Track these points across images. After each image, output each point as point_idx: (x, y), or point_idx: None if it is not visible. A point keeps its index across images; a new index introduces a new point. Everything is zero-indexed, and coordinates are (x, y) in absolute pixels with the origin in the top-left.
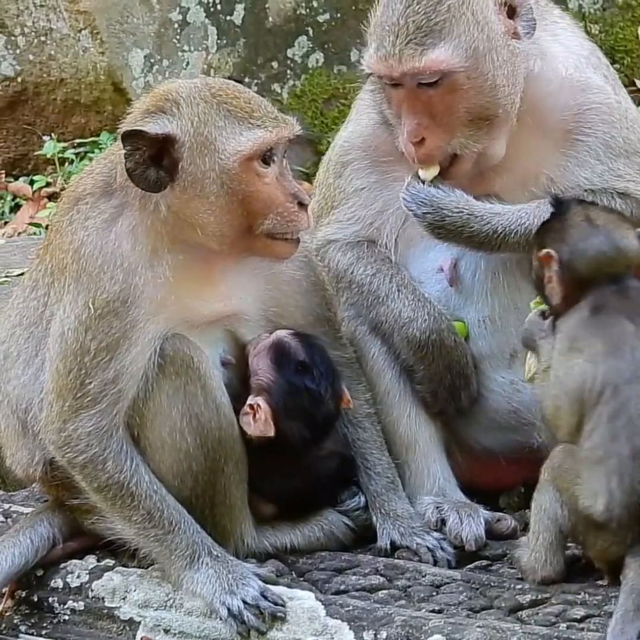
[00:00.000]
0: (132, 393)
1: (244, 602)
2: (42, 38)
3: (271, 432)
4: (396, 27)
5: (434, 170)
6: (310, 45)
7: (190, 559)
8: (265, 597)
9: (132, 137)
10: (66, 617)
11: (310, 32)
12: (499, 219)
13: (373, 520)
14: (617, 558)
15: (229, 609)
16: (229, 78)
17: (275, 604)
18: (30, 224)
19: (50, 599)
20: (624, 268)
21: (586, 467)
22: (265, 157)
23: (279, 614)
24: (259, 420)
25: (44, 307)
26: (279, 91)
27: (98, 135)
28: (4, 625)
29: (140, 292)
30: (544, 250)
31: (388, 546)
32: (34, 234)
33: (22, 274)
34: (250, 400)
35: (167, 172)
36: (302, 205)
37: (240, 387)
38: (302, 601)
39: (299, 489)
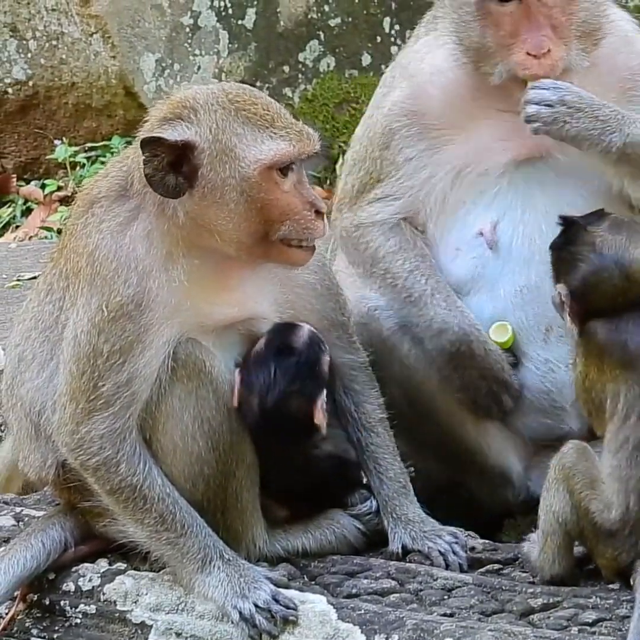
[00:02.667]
0: (145, 396)
1: (256, 605)
2: (54, 42)
3: (234, 403)
4: None
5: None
6: (322, 50)
7: (202, 563)
8: (277, 601)
9: (151, 144)
10: (78, 621)
11: (322, 36)
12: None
13: (384, 525)
14: (626, 566)
15: (240, 613)
16: (240, 83)
17: (287, 607)
18: (42, 227)
19: (62, 603)
20: (635, 292)
21: (608, 479)
22: (285, 167)
23: (290, 618)
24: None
25: (59, 311)
26: (290, 95)
27: (109, 139)
28: (15, 628)
29: (155, 296)
30: (557, 287)
31: (400, 550)
32: (46, 237)
33: (33, 277)
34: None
35: (186, 178)
36: (318, 213)
37: None
38: (313, 605)
39: (299, 489)
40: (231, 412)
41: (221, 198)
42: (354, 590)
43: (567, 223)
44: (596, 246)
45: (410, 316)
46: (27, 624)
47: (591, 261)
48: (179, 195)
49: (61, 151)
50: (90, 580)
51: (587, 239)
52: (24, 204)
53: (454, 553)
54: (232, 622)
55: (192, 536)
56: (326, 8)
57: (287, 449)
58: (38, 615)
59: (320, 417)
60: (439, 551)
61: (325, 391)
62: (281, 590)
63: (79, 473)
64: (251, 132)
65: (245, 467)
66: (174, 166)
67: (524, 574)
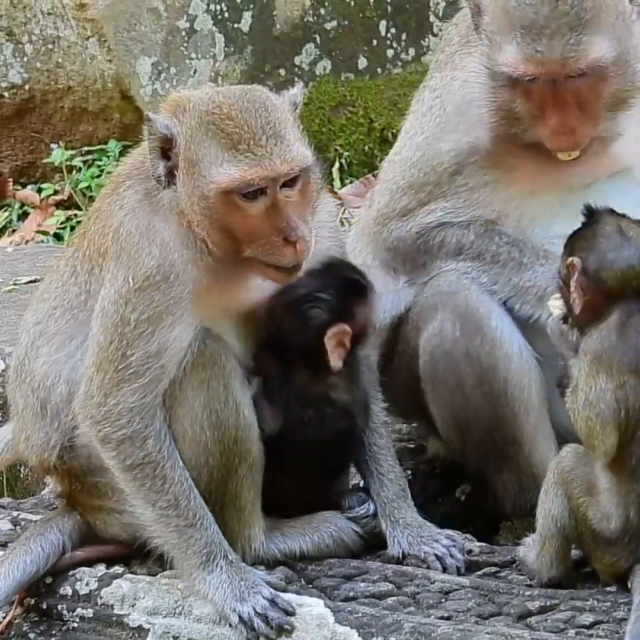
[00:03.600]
0: (173, 373)
1: (254, 610)
2: (50, 46)
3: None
4: (547, 25)
5: (575, 154)
6: (318, 53)
7: (206, 559)
8: (276, 604)
9: (148, 123)
10: (75, 625)
11: (318, 39)
12: None
13: (382, 528)
14: (624, 571)
15: (240, 616)
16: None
17: (286, 612)
18: (38, 231)
19: (59, 607)
20: None
21: (607, 493)
22: (248, 193)
23: (285, 627)
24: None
25: (86, 294)
26: None
27: (106, 143)
28: (13, 632)
29: (182, 270)
30: (571, 258)
31: (399, 554)
32: (42, 241)
33: (30, 281)
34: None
35: (169, 172)
36: (288, 240)
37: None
38: (311, 608)
39: (304, 450)
40: (239, 408)
41: (191, 205)
42: (351, 594)
43: (593, 211)
44: (622, 228)
45: (523, 281)
46: (24, 628)
47: (615, 239)
48: (164, 186)
49: (57, 155)
50: (87, 584)
51: (613, 221)
52: (21, 208)
53: (452, 556)
54: (231, 625)
55: (201, 529)
56: (322, 11)
57: (300, 374)
58: (35, 619)
59: (331, 346)
60: (436, 555)
61: (349, 331)
62: (280, 594)
63: (94, 449)
64: (215, 151)
65: (247, 465)
66: (163, 154)
67: (521, 577)
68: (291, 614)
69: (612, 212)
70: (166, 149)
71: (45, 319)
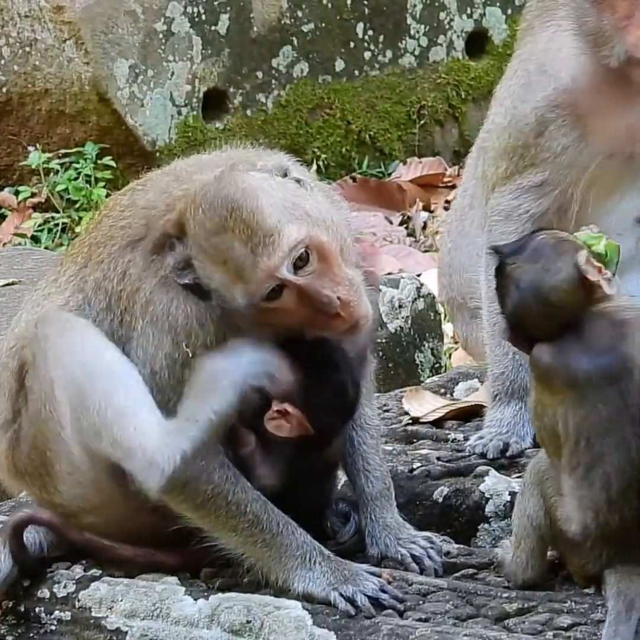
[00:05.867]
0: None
1: (363, 594)
2: (27, 48)
3: (310, 431)
4: None
5: None
6: (295, 55)
7: (302, 560)
8: (386, 592)
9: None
10: (53, 628)
11: (295, 42)
12: None
13: (362, 525)
14: (594, 574)
15: (341, 594)
16: (214, 89)
17: (396, 599)
18: (15, 234)
19: (36, 609)
20: (564, 311)
21: (568, 496)
22: (268, 295)
23: (398, 606)
24: (294, 425)
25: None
26: (264, 101)
27: (83, 146)
28: None
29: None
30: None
31: (377, 556)
32: (19, 244)
33: (7, 284)
34: (275, 406)
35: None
36: (331, 314)
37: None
38: (289, 610)
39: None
40: None
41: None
42: None
43: (496, 253)
44: (513, 279)
45: None
46: (1, 631)
47: (511, 294)
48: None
49: (35, 158)
50: (65, 586)
51: (508, 271)
52: None
53: (430, 558)
54: (333, 604)
55: (289, 533)
56: (299, 14)
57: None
58: (13, 622)
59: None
60: (414, 557)
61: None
62: (387, 586)
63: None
64: (217, 275)
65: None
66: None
67: (499, 579)
68: (402, 601)
69: (512, 251)
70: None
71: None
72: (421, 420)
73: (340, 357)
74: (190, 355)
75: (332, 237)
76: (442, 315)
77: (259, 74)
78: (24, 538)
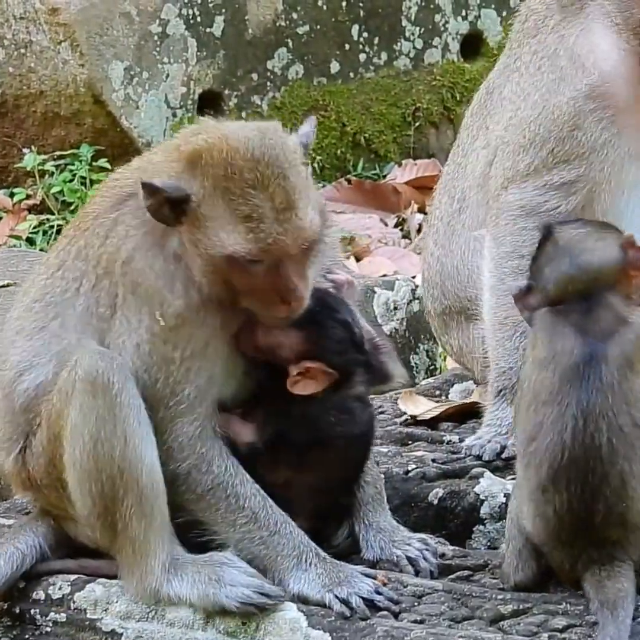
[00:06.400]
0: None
1: (358, 595)
2: (22, 50)
3: (335, 375)
4: None
5: None
6: (290, 57)
7: (297, 560)
8: (381, 594)
9: (151, 188)
10: (48, 629)
11: (290, 44)
12: None
13: (355, 530)
14: (574, 575)
15: (336, 595)
16: (209, 91)
17: (392, 601)
18: (11, 236)
19: (32, 611)
20: (590, 284)
21: (521, 487)
22: (256, 259)
23: (393, 608)
24: (318, 380)
25: (74, 293)
26: (259, 103)
27: (78, 148)
28: None
29: (205, 304)
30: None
31: (372, 558)
32: (14, 246)
33: (3, 286)
34: (293, 369)
35: (176, 216)
36: (286, 300)
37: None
38: (284, 612)
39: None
40: (129, 439)
41: (193, 254)
42: None
43: (545, 230)
44: (557, 240)
45: None
46: None
47: (550, 253)
48: (171, 225)
49: (30, 159)
50: (60, 588)
51: (554, 235)
52: None
53: (425, 559)
54: (328, 606)
55: (286, 533)
56: (294, 16)
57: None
58: (8, 623)
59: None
60: (409, 559)
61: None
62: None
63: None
64: (228, 218)
65: (135, 496)
66: (169, 200)
67: (494, 581)
68: (397, 602)
69: (561, 224)
70: (176, 200)
71: (24, 314)
72: (419, 419)
73: (330, 299)
74: (162, 323)
75: (322, 234)
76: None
77: (254, 76)
78: (23, 542)
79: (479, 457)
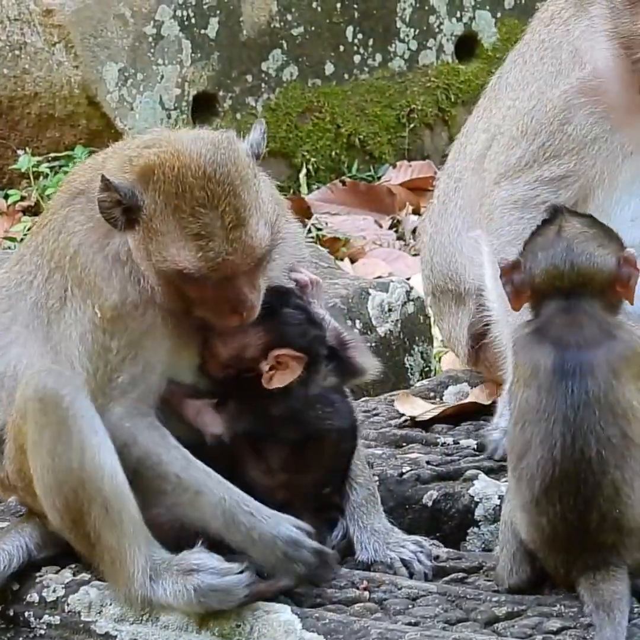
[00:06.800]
0: (163, 386)
1: (279, 539)
2: (16, 52)
3: (306, 359)
4: None
5: None
6: (285, 59)
7: (224, 518)
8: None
9: (108, 184)
10: (42, 632)
11: (285, 45)
12: None
13: (349, 533)
14: (570, 579)
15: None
16: (204, 92)
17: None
18: (5, 238)
19: (26, 614)
20: (577, 285)
21: (514, 499)
22: (208, 274)
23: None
24: (291, 367)
25: (28, 285)
26: (253, 105)
27: (72, 149)
28: None
29: (145, 302)
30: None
31: (367, 560)
32: (9, 248)
33: None
34: (264, 365)
35: (127, 221)
36: (236, 312)
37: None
38: (278, 614)
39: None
40: (86, 450)
41: (143, 261)
42: (318, 600)
43: (552, 211)
44: (562, 228)
45: None
46: None
47: (549, 238)
48: (120, 229)
49: (24, 161)
50: (54, 591)
51: (560, 221)
52: None
53: (419, 562)
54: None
55: (209, 492)
56: (289, 17)
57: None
58: (2, 626)
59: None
60: (403, 560)
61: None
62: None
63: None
64: (178, 234)
65: (100, 506)
66: (121, 204)
67: (489, 583)
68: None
69: (571, 213)
70: (127, 206)
71: None
72: (418, 419)
73: (280, 289)
74: (99, 316)
75: (273, 245)
76: (431, 319)
77: (249, 78)
78: (9, 542)
79: (492, 452)
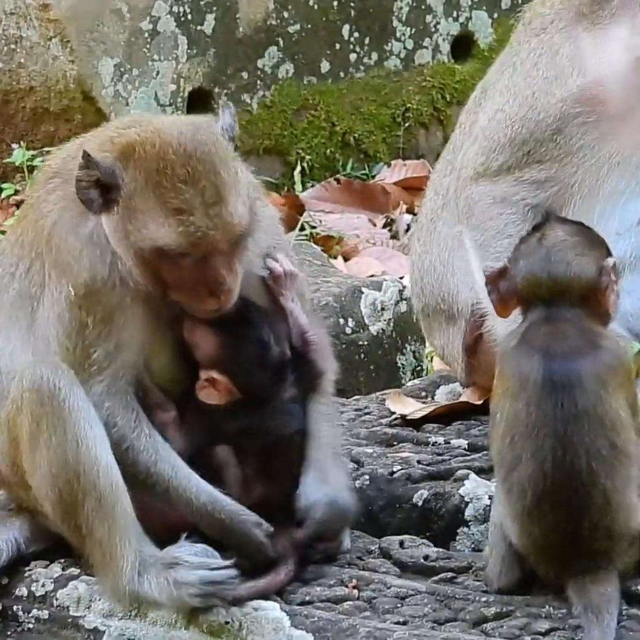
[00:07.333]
0: (140, 363)
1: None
2: (12, 46)
3: (238, 394)
4: None
5: None
6: (281, 56)
7: (190, 509)
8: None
9: (88, 160)
10: (31, 626)
11: (281, 42)
12: None
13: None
14: (560, 583)
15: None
16: (199, 89)
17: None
18: None
19: (14, 608)
20: (556, 293)
21: (502, 506)
22: (185, 252)
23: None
24: (221, 392)
25: (11, 276)
26: (249, 102)
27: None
28: None
29: (117, 280)
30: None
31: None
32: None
33: None
34: (203, 374)
35: (104, 203)
36: (214, 293)
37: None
38: (266, 612)
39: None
40: (82, 442)
41: (120, 242)
42: (307, 598)
43: (544, 217)
44: (544, 236)
45: None
46: None
47: (531, 246)
48: (95, 212)
49: (18, 155)
50: (43, 585)
51: (545, 228)
52: None
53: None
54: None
55: (182, 484)
56: (285, 14)
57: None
58: None
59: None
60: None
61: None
62: None
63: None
64: (158, 211)
65: (94, 499)
66: (100, 184)
67: (478, 583)
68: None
69: (560, 220)
70: (105, 186)
71: None
72: (409, 418)
73: (254, 313)
74: (73, 294)
75: (251, 229)
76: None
77: (244, 75)
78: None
79: None
